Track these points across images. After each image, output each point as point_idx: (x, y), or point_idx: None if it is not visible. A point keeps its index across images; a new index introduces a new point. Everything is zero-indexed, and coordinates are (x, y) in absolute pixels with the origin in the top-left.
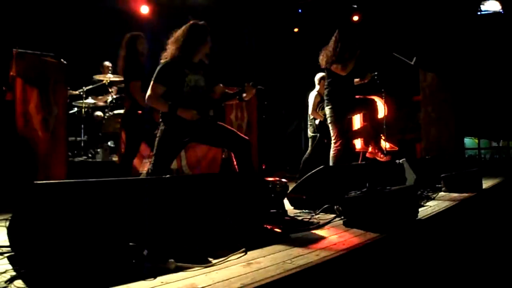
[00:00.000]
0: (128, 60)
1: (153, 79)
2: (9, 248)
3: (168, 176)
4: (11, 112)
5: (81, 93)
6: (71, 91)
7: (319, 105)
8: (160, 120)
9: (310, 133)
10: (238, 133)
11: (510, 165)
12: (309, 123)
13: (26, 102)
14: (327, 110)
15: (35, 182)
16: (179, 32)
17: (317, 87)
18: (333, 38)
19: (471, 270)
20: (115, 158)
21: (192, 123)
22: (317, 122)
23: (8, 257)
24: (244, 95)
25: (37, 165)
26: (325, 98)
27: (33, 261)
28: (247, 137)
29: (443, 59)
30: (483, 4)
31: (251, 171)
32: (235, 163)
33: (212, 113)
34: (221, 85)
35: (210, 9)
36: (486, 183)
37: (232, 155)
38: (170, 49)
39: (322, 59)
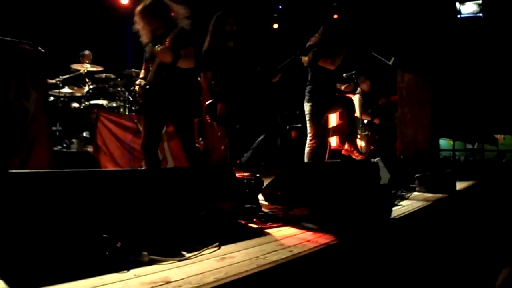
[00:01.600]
0: (210, 45)
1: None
2: None
3: (142, 168)
4: None
5: (58, 82)
6: (48, 80)
7: (364, 106)
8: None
9: (360, 132)
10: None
11: (484, 168)
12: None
13: (5, 89)
14: (307, 106)
15: (9, 171)
16: None
17: (358, 89)
18: (317, 34)
19: (442, 270)
20: (90, 149)
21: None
22: (365, 121)
23: None
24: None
25: (16, 154)
26: (306, 94)
27: (4, 251)
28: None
29: (422, 60)
30: (463, 5)
31: (193, 151)
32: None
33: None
34: (191, 47)
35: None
36: (460, 185)
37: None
38: None
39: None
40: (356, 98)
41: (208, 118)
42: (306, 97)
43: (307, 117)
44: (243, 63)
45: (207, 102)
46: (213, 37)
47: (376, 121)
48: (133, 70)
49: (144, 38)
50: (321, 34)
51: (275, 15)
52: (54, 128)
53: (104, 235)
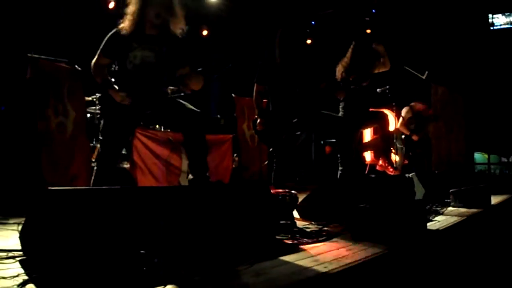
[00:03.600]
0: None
1: (100, 47)
2: (21, 252)
3: (181, 185)
4: (26, 115)
5: (94, 99)
6: (86, 97)
7: (409, 120)
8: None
9: (398, 145)
10: (190, 107)
11: None
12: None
13: (44, 106)
14: None
15: (49, 188)
16: None
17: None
18: (350, 49)
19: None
20: (126, 165)
21: (126, 106)
22: (403, 136)
23: (20, 261)
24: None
25: (54, 169)
26: (340, 110)
27: (44, 266)
28: (198, 110)
29: (455, 73)
30: (497, 18)
31: (201, 153)
32: (190, 148)
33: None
34: (187, 68)
35: (224, 18)
36: (495, 199)
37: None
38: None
39: (339, 71)
40: (404, 110)
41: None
42: (340, 113)
43: None
44: (306, 79)
45: (255, 116)
46: (281, 53)
47: (415, 137)
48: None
49: (128, 24)
50: (352, 49)
51: (308, 30)
52: (91, 144)
53: (142, 251)
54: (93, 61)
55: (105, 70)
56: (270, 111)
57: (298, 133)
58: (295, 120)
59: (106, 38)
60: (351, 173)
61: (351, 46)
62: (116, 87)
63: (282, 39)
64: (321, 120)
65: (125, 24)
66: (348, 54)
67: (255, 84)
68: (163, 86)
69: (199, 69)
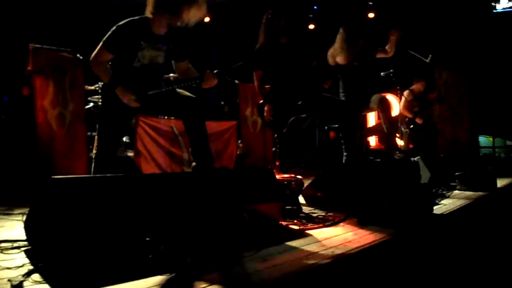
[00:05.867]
0: (264, 44)
1: (102, 41)
2: (26, 242)
3: (185, 171)
4: (27, 107)
5: (97, 88)
6: (87, 86)
7: (411, 104)
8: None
9: (402, 129)
10: (187, 94)
11: None
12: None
13: (42, 97)
14: None
15: (52, 177)
16: None
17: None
18: (339, 35)
19: (484, 268)
20: (130, 154)
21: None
22: (407, 120)
23: (25, 251)
24: (204, 83)
25: (54, 160)
26: (340, 93)
27: (50, 255)
28: (194, 96)
29: (459, 57)
30: (499, 2)
31: (202, 139)
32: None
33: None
34: (186, 62)
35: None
36: (501, 182)
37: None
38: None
39: (330, 56)
40: (405, 94)
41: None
42: (341, 96)
43: None
44: (298, 59)
45: (260, 102)
46: (267, 36)
47: (419, 120)
48: (171, 75)
49: (161, 27)
50: (342, 34)
51: (311, 15)
52: (94, 133)
53: (147, 238)
54: (94, 55)
55: (107, 66)
56: (273, 95)
57: (304, 116)
58: (300, 102)
59: (111, 32)
60: (356, 158)
61: (341, 32)
62: (126, 88)
63: (268, 21)
64: (323, 103)
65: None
66: (338, 40)
67: (253, 72)
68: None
69: (215, 71)
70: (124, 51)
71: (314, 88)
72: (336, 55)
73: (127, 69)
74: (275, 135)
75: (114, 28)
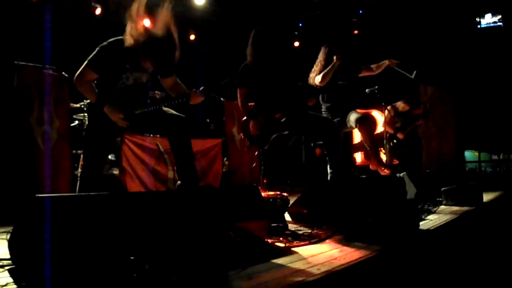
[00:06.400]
0: (253, 61)
1: (87, 60)
2: (10, 261)
3: (170, 189)
4: (12, 125)
5: (82, 106)
6: (72, 104)
7: (391, 120)
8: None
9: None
10: (173, 113)
11: (511, 178)
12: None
13: (27, 114)
14: None
15: (36, 195)
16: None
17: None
18: (321, 53)
19: (472, 282)
20: (115, 172)
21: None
22: (388, 135)
23: (9, 270)
24: (190, 100)
25: (38, 178)
26: (323, 111)
27: (34, 274)
28: (181, 115)
29: (444, 72)
30: (483, 18)
31: (187, 157)
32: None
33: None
34: (173, 76)
35: (211, 23)
36: (487, 196)
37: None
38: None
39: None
40: (387, 109)
41: (241, 135)
42: (324, 114)
43: None
44: (283, 78)
45: (243, 119)
46: (254, 53)
47: (400, 136)
48: (157, 92)
49: (136, 35)
50: (323, 53)
51: (296, 33)
52: (79, 151)
53: (132, 257)
54: (78, 74)
55: (93, 85)
56: (257, 112)
57: (286, 133)
58: (283, 119)
59: (96, 52)
60: (342, 175)
61: (323, 50)
62: (113, 104)
63: (256, 38)
64: (307, 121)
65: (133, 34)
66: (321, 58)
67: (238, 89)
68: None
69: (201, 88)
70: (108, 71)
71: (298, 106)
72: (316, 75)
73: (112, 88)
74: (258, 152)
75: (98, 48)
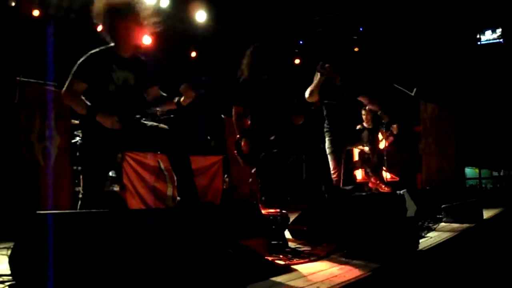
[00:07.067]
0: (248, 78)
1: (72, 73)
2: (10, 277)
3: (169, 207)
4: (14, 141)
5: None
6: (73, 120)
7: (368, 138)
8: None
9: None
10: (170, 129)
11: (511, 195)
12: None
13: (28, 131)
14: (326, 140)
15: (37, 212)
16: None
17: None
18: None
19: None
20: (116, 188)
21: (115, 131)
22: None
23: (9, 286)
24: (182, 99)
25: (39, 194)
26: (325, 127)
27: None
28: (179, 130)
29: (444, 90)
30: (483, 34)
31: (187, 173)
32: (177, 171)
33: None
34: (156, 87)
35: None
36: (487, 213)
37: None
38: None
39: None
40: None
41: (235, 153)
42: (325, 131)
43: (327, 151)
44: (278, 96)
45: (237, 137)
46: (250, 71)
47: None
48: (157, 109)
49: (127, 46)
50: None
51: (296, 50)
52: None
53: (133, 274)
54: (65, 88)
55: (82, 97)
56: (251, 131)
57: (275, 150)
58: (272, 137)
59: (80, 63)
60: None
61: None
62: (105, 112)
63: (254, 55)
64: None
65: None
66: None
67: (233, 107)
68: (143, 109)
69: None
70: (97, 78)
71: (286, 124)
72: (313, 93)
73: (103, 96)
74: (252, 170)
75: (80, 60)
